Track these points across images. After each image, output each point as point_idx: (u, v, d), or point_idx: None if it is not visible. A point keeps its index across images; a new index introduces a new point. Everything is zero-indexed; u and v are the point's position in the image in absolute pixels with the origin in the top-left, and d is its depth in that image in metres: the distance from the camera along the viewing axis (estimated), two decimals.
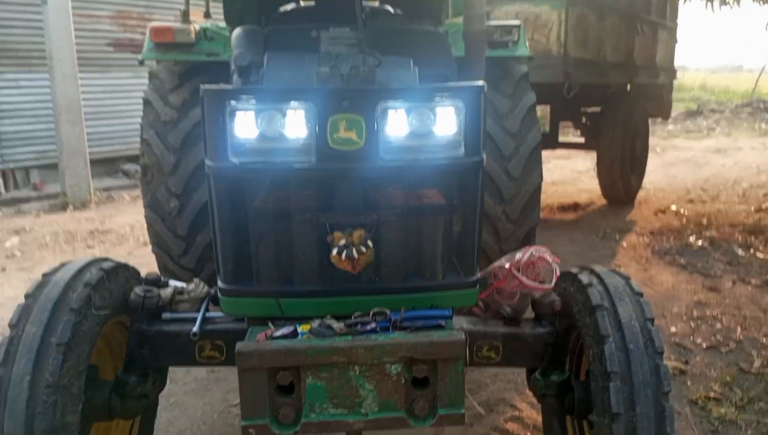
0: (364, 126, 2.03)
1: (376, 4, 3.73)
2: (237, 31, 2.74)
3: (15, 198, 10.22)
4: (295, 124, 2.04)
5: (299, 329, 2.06)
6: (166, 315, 2.62)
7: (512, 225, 4.81)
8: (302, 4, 3.55)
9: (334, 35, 2.52)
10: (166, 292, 2.72)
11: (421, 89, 2.22)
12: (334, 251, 2.09)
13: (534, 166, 4.83)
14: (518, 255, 2.74)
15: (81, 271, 2.40)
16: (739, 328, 4.83)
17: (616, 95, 8.63)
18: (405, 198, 2.21)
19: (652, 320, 2.37)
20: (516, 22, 4.81)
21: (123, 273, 2.62)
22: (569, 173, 12.54)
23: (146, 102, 4.73)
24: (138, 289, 2.60)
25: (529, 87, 4.97)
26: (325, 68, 2.09)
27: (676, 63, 10.73)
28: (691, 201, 9.66)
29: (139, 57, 4.77)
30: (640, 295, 2.50)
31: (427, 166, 2.14)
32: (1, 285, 6.00)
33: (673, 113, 25.07)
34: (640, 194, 9.84)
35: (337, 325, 2.05)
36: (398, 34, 2.83)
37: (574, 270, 2.78)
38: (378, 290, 2.20)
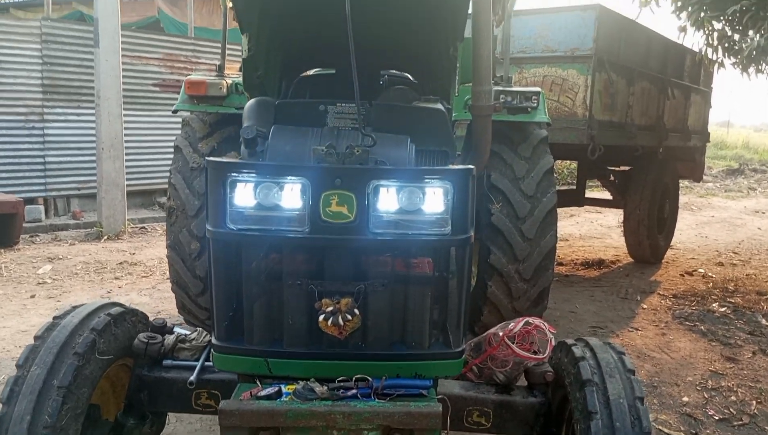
0: (355, 202, 2.16)
1: (395, 72, 3.91)
2: (249, 102, 2.92)
3: (54, 225, 10.62)
4: (291, 197, 2.19)
5: (284, 389, 2.16)
6: (167, 362, 2.76)
7: (525, 284, 4.88)
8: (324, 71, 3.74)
9: (339, 111, 2.68)
10: (169, 340, 2.85)
11: (411, 171, 2.36)
12: (322, 317, 2.20)
13: (549, 228, 4.90)
14: (512, 324, 2.81)
15: (89, 315, 2.56)
16: (754, 402, 4.75)
17: (646, 156, 8.62)
18: (392, 268, 2.32)
19: (641, 399, 2.40)
20: (536, 89, 4.93)
21: (130, 318, 2.77)
22: (598, 228, 12.48)
23: (177, 149, 4.97)
24: (142, 336, 2.74)
25: (547, 150, 5.07)
26: (321, 147, 2.23)
27: (720, 120, 10.68)
28: (720, 264, 9.51)
29: (174, 107, 5.04)
30: (632, 372, 2.53)
31: (414, 241, 2.25)
32: (28, 311, 6.25)
33: (714, 171, 24.95)
34: (669, 254, 9.74)
35: (320, 389, 2.14)
36: (401, 111, 2.98)
37: (570, 341, 2.83)
38: (363, 356, 2.30)
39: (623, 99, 7.49)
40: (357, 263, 2.30)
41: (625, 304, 7.07)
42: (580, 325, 6.21)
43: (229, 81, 4.91)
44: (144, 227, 10.85)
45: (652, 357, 5.50)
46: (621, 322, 6.37)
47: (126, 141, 10.22)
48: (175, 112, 5.08)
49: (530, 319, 2.86)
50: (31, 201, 10.78)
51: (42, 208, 10.95)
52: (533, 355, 2.80)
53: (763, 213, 15.89)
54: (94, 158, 10.26)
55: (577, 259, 9.30)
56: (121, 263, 8.23)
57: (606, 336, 5.90)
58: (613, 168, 9.33)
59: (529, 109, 4.91)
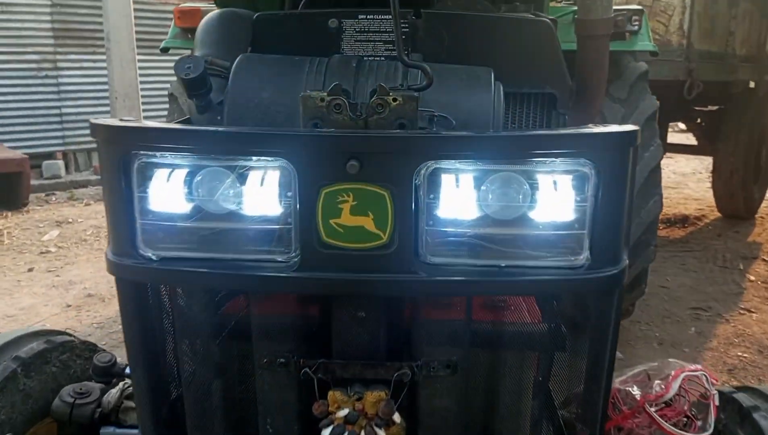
0: (390, 207, 1.18)
1: None
2: (208, 17, 1.82)
3: (74, 181, 9.92)
4: (261, 196, 1.23)
5: None
6: (107, 430, 1.80)
7: None
8: None
9: (362, 27, 1.58)
10: (110, 395, 1.87)
11: (508, 138, 1.32)
12: (327, 432, 1.17)
13: (651, 192, 3.75)
14: (657, 383, 1.71)
15: None
16: None
17: (741, 94, 7.24)
18: (467, 332, 1.36)
19: None
20: (636, 6, 3.73)
21: (57, 356, 1.85)
22: (671, 175, 11.11)
23: (171, 97, 3.94)
24: (67, 391, 1.80)
25: (647, 90, 3.88)
26: (319, 94, 1.18)
27: None
28: None
29: (162, 44, 3.97)
30: None
31: (513, 284, 1.20)
32: (21, 289, 5.41)
33: None
34: (763, 208, 8.38)
35: None
36: (475, 24, 1.87)
37: (740, 397, 1.73)
38: None
39: (724, 24, 6.12)
40: (396, 325, 1.37)
41: (727, 275, 5.86)
42: (677, 306, 5.05)
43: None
44: None
45: None
46: (727, 301, 5.19)
47: (142, 88, 9.27)
48: (164, 50, 4.00)
49: (684, 367, 1.75)
50: (49, 156, 10.09)
51: (61, 163, 10.22)
52: (690, 434, 1.69)
53: None
54: None
55: None
56: None
57: (713, 321, 4.74)
58: (701, 108, 7.93)
59: (627, 35, 3.72)
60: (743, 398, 1.71)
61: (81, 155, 10.74)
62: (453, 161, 1.20)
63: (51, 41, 9.94)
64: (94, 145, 10.61)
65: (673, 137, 10.86)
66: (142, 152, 1.21)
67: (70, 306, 5.08)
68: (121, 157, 1.21)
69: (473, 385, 1.42)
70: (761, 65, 7.13)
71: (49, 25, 9.87)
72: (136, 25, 9.02)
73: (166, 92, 11.50)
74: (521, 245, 1.24)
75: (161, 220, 1.25)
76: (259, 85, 1.51)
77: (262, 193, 1.22)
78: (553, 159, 1.18)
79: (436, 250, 1.24)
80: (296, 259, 1.23)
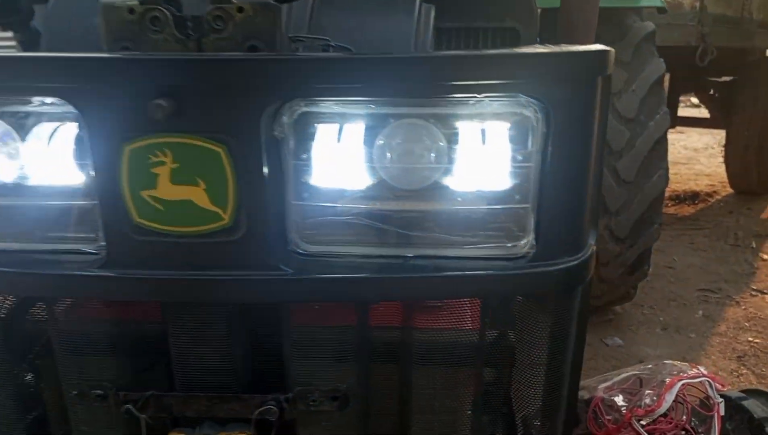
0: (230, 172, 0.84)
1: None
2: None
3: None
4: (51, 158, 0.91)
5: None
6: None
7: (618, 245, 3.49)
8: None
9: None
10: None
11: (418, 60, 0.92)
12: None
13: (657, 165, 3.43)
14: (647, 394, 1.42)
15: None
16: None
17: (757, 62, 6.83)
18: (362, 340, 1.02)
19: None
20: None
21: None
22: (682, 151, 10.70)
23: None
24: None
25: (655, 52, 3.55)
26: (130, 2, 0.89)
27: None
28: None
29: None
30: None
31: (419, 285, 0.88)
32: None
33: None
34: None
35: None
36: None
37: (751, 406, 1.45)
38: None
39: None
40: (265, 338, 1.04)
41: (738, 254, 5.53)
42: (684, 288, 4.75)
43: None
44: None
45: None
46: (738, 282, 4.87)
47: None
48: None
49: (681, 373, 1.46)
50: None
51: None
52: None
53: None
54: None
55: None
56: None
57: (723, 304, 4.44)
58: (714, 78, 7.53)
59: None
60: (754, 407, 1.43)
61: None
62: (331, 102, 0.85)
63: None
64: None
65: (684, 112, 10.49)
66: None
67: None
68: None
69: (381, 418, 1.09)
70: None
71: None
72: None
73: None
74: (434, 227, 0.91)
75: None
76: (89, 8, 1.17)
77: (52, 153, 0.89)
78: (479, 97, 0.83)
79: (309, 236, 0.91)
80: (104, 251, 0.92)
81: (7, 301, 1.06)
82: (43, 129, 0.90)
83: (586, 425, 1.46)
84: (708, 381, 1.44)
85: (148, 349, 1.06)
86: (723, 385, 1.50)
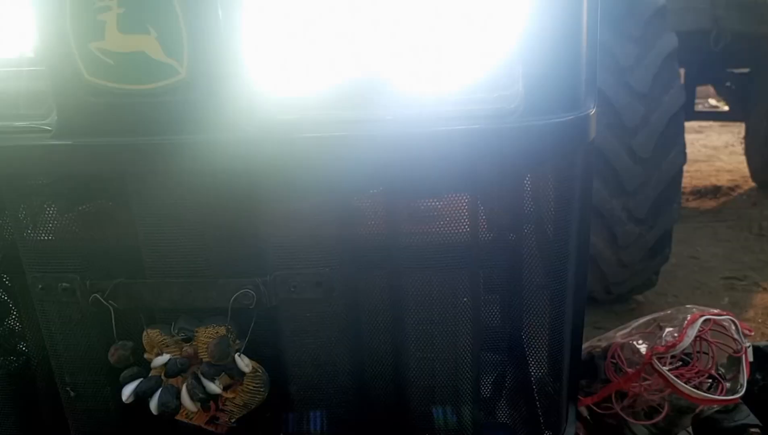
0: (182, 17, 0.76)
1: None
2: None
3: None
4: None
5: None
6: None
7: (638, 227, 3.38)
8: None
9: None
10: None
11: None
12: (128, 391, 0.82)
13: (673, 141, 3.33)
14: (668, 332, 1.31)
15: None
16: None
17: None
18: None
19: None
20: None
21: None
22: (702, 150, 10.52)
23: None
24: None
25: (667, 26, 3.46)
26: None
27: None
28: None
29: None
30: None
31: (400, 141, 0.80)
32: None
33: None
34: None
35: None
36: None
37: None
38: None
39: None
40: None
41: (764, 243, 5.37)
42: (709, 277, 4.60)
43: None
44: None
45: None
46: (765, 270, 4.72)
47: None
48: None
49: (705, 313, 1.35)
50: None
51: None
52: (716, 397, 1.30)
53: None
54: None
55: (685, 188, 7.53)
56: None
57: (749, 290, 4.29)
58: (731, 69, 7.40)
59: None
60: None
61: None
62: None
63: None
64: None
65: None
66: None
67: None
68: None
69: (369, 318, 0.99)
70: None
71: None
72: None
73: None
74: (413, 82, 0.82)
75: None
76: None
77: None
78: None
79: (273, 92, 0.81)
80: (55, 119, 0.83)
81: None
82: None
83: (605, 374, 1.36)
84: (733, 321, 1.34)
85: (116, 233, 0.97)
86: (750, 331, 1.39)
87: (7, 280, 1.07)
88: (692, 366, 1.32)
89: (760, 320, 3.88)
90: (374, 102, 0.82)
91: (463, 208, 0.92)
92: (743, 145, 7.70)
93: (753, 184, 7.57)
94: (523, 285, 1.02)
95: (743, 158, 7.73)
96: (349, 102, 0.83)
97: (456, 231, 0.93)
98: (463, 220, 0.92)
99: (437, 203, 0.95)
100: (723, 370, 1.36)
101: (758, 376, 1.39)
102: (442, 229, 0.93)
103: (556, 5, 0.78)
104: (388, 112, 0.82)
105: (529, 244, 0.99)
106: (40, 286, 0.97)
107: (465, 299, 0.96)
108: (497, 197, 0.98)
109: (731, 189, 7.54)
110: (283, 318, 0.97)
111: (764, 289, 4.35)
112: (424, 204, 0.94)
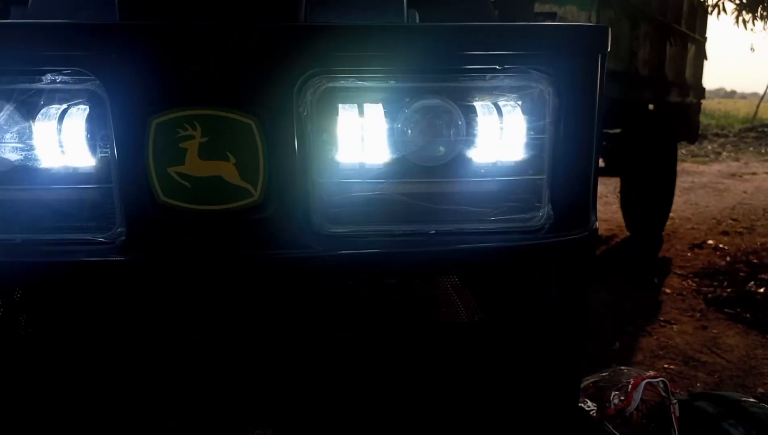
0: (261, 145, 0.83)
1: None
2: None
3: None
4: (61, 138, 0.83)
5: None
6: None
7: None
8: None
9: None
10: None
11: (443, 30, 0.93)
12: None
13: None
14: (614, 395, 1.47)
15: None
16: None
17: (639, 115, 7.45)
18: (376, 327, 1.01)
19: None
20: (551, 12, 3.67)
21: None
22: None
23: None
24: None
25: None
26: None
27: None
28: (725, 233, 8.50)
29: None
30: None
31: (445, 259, 0.89)
32: None
33: None
34: (668, 226, 8.64)
35: None
36: None
37: (704, 405, 1.53)
38: None
39: (627, 44, 6.26)
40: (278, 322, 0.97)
41: (643, 290, 5.87)
42: (600, 323, 4.96)
43: None
44: None
45: (701, 361, 4.29)
46: (648, 315, 5.15)
47: None
48: None
49: (641, 374, 1.52)
50: None
51: None
52: None
53: (740, 176, 15.27)
54: None
55: None
56: None
57: (636, 336, 4.67)
58: (606, 130, 8.11)
59: None
60: (707, 406, 1.51)
61: None
62: (354, 78, 0.85)
63: None
64: None
65: None
66: None
67: None
68: None
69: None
70: (661, 86, 7.36)
71: None
72: None
73: None
74: (455, 201, 0.93)
75: None
76: (71, 5, 1.13)
77: (63, 133, 0.82)
78: (496, 71, 0.88)
79: (334, 214, 0.90)
80: (123, 237, 0.86)
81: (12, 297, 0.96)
82: (52, 109, 0.84)
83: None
84: (663, 381, 1.52)
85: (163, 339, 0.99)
86: (676, 390, 1.58)
87: None
88: (627, 422, 1.48)
89: (648, 363, 4.23)
90: (422, 217, 0.92)
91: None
92: (618, 197, 8.37)
93: (628, 234, 8.26)
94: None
95: (617, 208, 8.41)
96: (400, 217, 0.92)
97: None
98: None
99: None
100: (654, 425, 1.52)
101: (681, 428, 1.57)
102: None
103: (577, 142, 0.91)
104: (432, 227, 0.91)
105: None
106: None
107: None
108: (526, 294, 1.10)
109: (609, 238, 8.17)
110: None
111: (649, 333, 4.75)
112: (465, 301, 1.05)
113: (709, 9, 7.75)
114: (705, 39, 9.40)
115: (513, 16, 1.47)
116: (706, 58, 9.42)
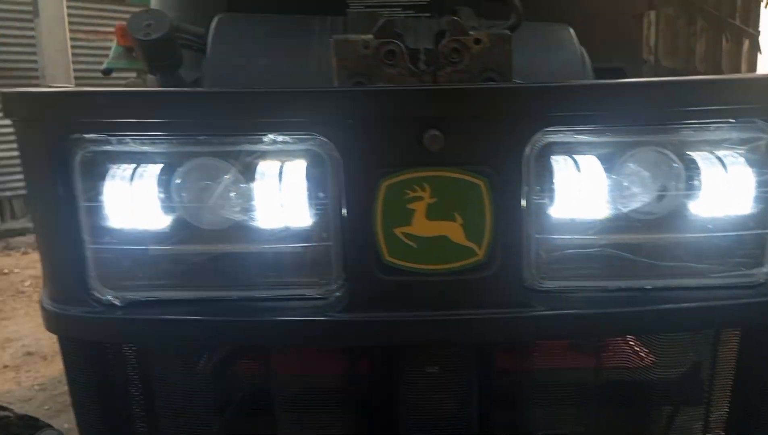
0: (488, 205, 0.82)
1: None
2: None
3: (10, 229, 9.21)
4: (282, 198, 0.85)
5: None
6: None
7: None
8: None
9: None
10: None
11: (670, 85, 0.93)
12: None
13: None
14: None
15: None
16: None
17: None
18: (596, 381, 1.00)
19: None
20: None
21: None
22: None
23: None
24: None
25: None
26: (365, 37, 0.87)
27: None
28: None
29: (104, 65, 3.55)
30: None
31: (663, 317, 0.90)
32: None
33: None
34: None
35: None
36: None
37: None
38: None
39: (685, 41, 6.10)
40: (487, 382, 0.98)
41: None
42: None
43: None
44: None
45: None
46: None
47: None
48: (106, 73, 3.58)
49: None
50: None
51: None
52: None
53: None
54: None
55: None
56: None
57: None
58: None
59: None
60: None
61: (17, 202, 10.06)
62: (570, 132, 0.84)
63: None
64: None
65: None
66: (88, 136, 0.80)
67: (7, 366, 4.53)
68: (56, 145, 0.80)
69: None
70: None
71: None
72: (72, 62, 8.54)
73: None
74: (673, 256, 0.90)
75: (124, 242, 0.84)
76: (251, 51, 1.13)
77: (284, 193, 0.83)
78: (720, 123, 0.85)
79: (549, 271, 0.88)
80: (341, 294, 0.86)
81: (212, 355, 0.97)
82: (268, 167, 0.85)
83: None
84: None
85: (369, 395, 1.00)
86: None
87: None
88: None
89: None
90: (639, 272, 0.89)
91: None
92: None
93: None
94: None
95: None
96: (614, 273, 0.89)
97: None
98: None
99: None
100: None
101: None
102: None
103: None
104: (649, 283, 0.88)
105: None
106: None
107: None
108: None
109: None
110: None
111: None
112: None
113: (763, 2, 7.51)
114: (758, 32, 9.14)
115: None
116: (761, 52, 9.16)
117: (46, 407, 3.68)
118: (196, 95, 0.84)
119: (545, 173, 0.87)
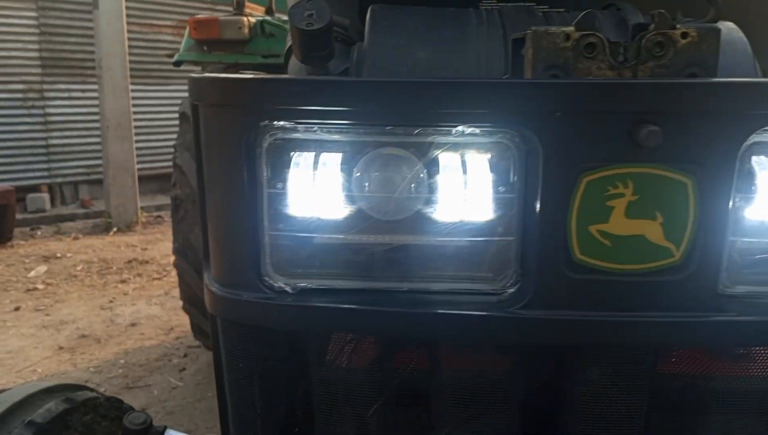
0: (693, 205, 0.79)
1: None
2: None
3: (61, 215, 9.44)
4: (467, 192, 0.82)
5: None
6: None
7: None
8: None
9: None
10: None
11: None
12: None
13: None
14: None
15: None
16: None
17: None
18: None
19: None
20: None
21: (80, 419, 1.55)
22: None
23: (182, 116, 3.57)
24: None
25: None
26: (565, 29, 0.85)
27: None
28: None
29: (175, 57, 3.61)
30: None
31: None
32: (7, 330, 4.94)
33: None
34: None
35: None
36: None
37: None
38: None
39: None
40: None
41: None
42: None
43: (252, 19, 3.48)
44: (160, 216, 9.56)
45: None
46: None
47: (135, 119, 8.90)
48: (177, 64, 3.65)
49: None
50: (34, 189, 9.62)
51: (46, 196, 9.73)
52: None
53: None
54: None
55: None
56: (129, 262, 6.93)
57: None
58: None
59: None
60: None
61: (67, 188, 10.28)
62: None
63: (38, 70, 9.55)
64: (81, 178, 10.16)
65: None
66: (277, 123, 0.80)
67: (62, 348, 4.62)
68: (245, 131, 0.80)
69: None
70: None
71: (36, 54, 9.50)
72: (128, 55, 8.71)
73: (158, 124, 11.02)
74: None
75: (303, 230, 0.84)
76: (408, 43, 1.12)
77: (468, 186, 0.81)
78: None
79: (742, 275, 0.85)
80: (516, 290, 0.84)
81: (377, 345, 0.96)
82: (453, 159, 0.83)
83: None
84: None
85: (536, 393, 0.97)
86: None
87: None
88: None
89: None
90: None
91: None
92: None
93: None
94: None
95: None
96: None
97: None
98: None
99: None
100: None
101: None
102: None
103: None
104: None
105: None
106: None
107: None
108: None
109: None
110: None
111: None
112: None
113: None
114: None
115: None
116: None
117: (102, 389, 3.74)
118: (391, 84, 0.83)
119: (746, 173, 0.83)
